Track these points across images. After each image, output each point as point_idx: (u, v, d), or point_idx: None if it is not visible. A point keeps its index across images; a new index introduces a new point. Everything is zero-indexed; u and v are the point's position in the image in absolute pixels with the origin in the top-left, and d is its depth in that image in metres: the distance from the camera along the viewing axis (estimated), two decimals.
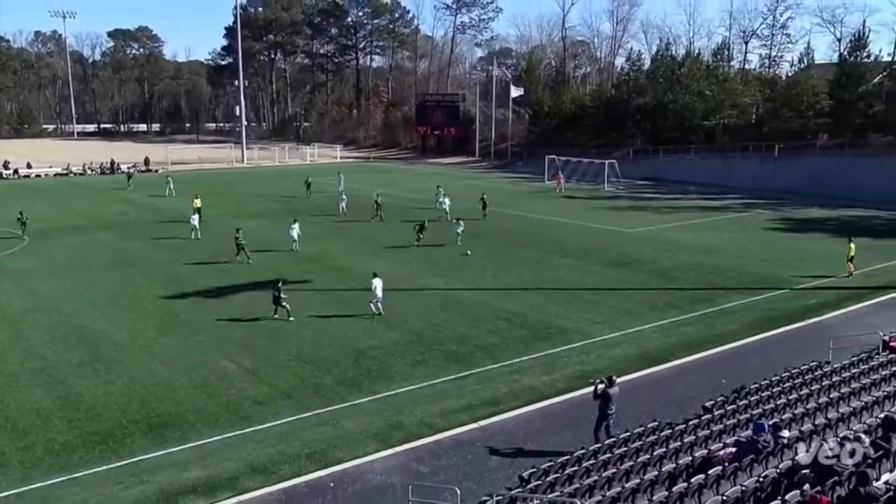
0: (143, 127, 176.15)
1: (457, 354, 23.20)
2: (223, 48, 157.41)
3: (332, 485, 15.43)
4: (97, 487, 15.31)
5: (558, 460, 14.44)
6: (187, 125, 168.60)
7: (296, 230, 38.61)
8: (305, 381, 21.07)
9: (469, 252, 37.22)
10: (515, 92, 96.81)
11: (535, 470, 14.07)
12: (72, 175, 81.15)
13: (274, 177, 79.64)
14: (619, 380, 17.26)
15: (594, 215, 52.22)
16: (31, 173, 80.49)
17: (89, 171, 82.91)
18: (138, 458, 16.54)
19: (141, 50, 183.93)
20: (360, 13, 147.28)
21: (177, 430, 17.97)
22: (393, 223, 46.92)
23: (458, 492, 12.79)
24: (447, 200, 49.86)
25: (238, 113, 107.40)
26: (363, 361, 22.56)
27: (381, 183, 71.30)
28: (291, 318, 26.34)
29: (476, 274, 33.84)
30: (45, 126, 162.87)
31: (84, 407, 19.23)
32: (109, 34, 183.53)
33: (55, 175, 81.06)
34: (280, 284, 26.97)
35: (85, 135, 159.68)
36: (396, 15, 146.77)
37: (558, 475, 13.48)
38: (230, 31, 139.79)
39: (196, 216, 43.14)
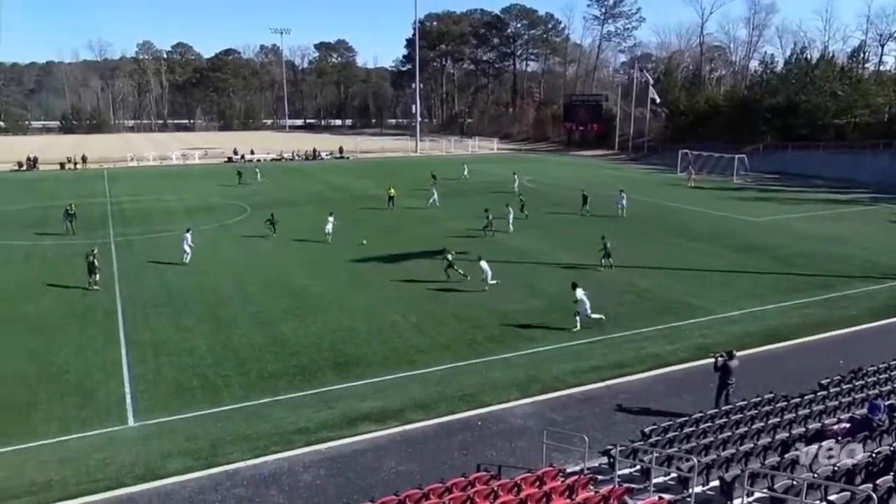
0: (338, 122, 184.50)
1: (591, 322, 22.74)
2: (404, 57, 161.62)
3: (479, 423, 15.69)
4: (295, 409, 16.42)
5: (678, 420, 13.87)
6: (373, 120, 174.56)
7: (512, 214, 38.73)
8: (460, 335, 21.45)
9: (364, 241, 33.86)
10: (654, 93, 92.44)
11: (655, 427, 13.60)
12: (283, 160, 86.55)
13: (439, 164, 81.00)
14: (738, 354, 16.27)
15: (722, 204, 49.14)
16: (254, 158, 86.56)
17: (297, 157, 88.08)
18: (326, 389, 17.55)
19: (339, 59, 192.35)
20: (519, 25, 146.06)
21: (357, 368, 18.89)
22: (539, 206, 46.50)
23: (586, 439, 12.60)
24: (517, 183, 53.31)
25: (414, 111, 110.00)
26: (509, 322, 22.63)
27: (530, 171, 70.80)
28: (467, 276, 27.04)
29: (612, 251, 32.84)
30: (264, 121, 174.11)
31: (287, 345, 20.63)
32: (316, 46, 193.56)
33: (271, 160, 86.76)
34: (448, 255, 27.61)
35: (294, 128, 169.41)
36: (550, 26, 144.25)
37: (677, 433, 12.96)
38: (410, 43, 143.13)
39: (390, 202, 45.10)
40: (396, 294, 25.95)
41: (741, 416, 13.65)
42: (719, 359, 15.76)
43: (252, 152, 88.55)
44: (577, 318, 21.67)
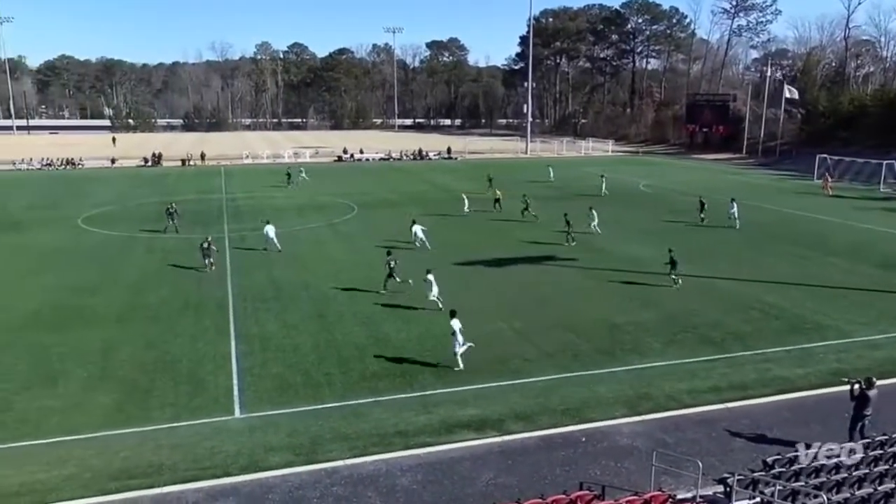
0: (447, 122, 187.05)
1: (709, 338, 21.79)
2: (516, 55, 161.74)
3: (583, 439, 15.40)
4: (395, 410, 16.76)
5: (806, 451, 13.00)
6: (483, 120, 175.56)
7: (595, 219, 38.45)
8: (566, 345, 21.14)
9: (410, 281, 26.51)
10: (789, 92, 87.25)
11: (780, 457, 12.82)
12: (391, 160, 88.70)
13: (546, 166, 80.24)
14: (879, 382, 15.04)
15: (864, 216, 45.64)
16: (363, 157, 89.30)
17: (404, 157, 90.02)
18: (427, 392, 17.80)
19: (450, 57, 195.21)
20: (640, 20, 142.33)
21: (459, 373, 19.02)
22: (657, 210, 45.11)
23: (700, 465, 12.05)
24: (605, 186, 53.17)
25: (525, 110, 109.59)
26: (618, 335, 22.08)
27: (648, 175, 68.83)
28: (410, 282, 25.87)
29: (733, 264, 31.38)
30: (374, 120, 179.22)
31: (390, 346, 21.10)
32: (427, 45, 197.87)
33: (379, 159, 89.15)
34: (391, 262, 26.56)
35: (403, 128, 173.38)
36: (674, 20, 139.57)
37: (804, 465, 12.16)
38: (524, 40, 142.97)
39: (497, 204, 45.24)
40: (501, 299, 25.94)
41: (881, 452, 12.61)
42: (856, 387, 14.64)
43: (361, 151, 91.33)
44: (457, 355, 19.18)
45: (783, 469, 12.13)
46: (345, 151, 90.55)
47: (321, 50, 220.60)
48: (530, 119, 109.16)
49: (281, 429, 15.80)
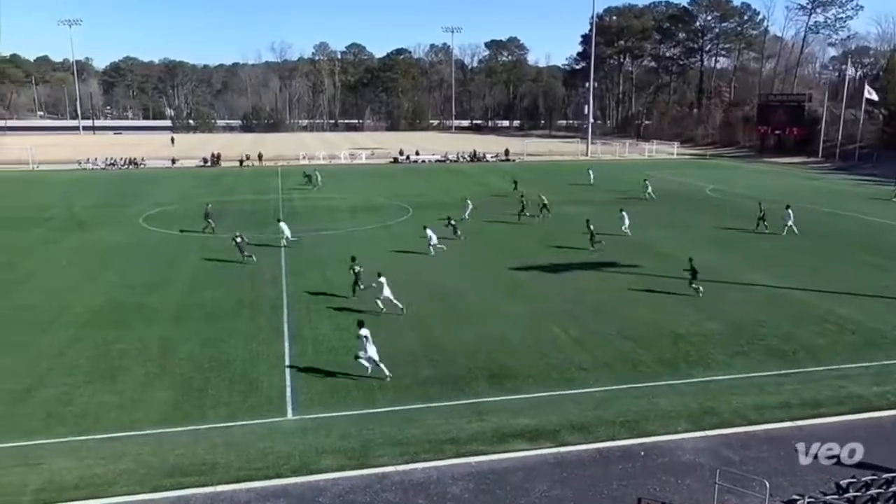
0: (505, 123, 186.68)
1: (779, 351, 21.08)
2: (578, 54, 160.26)
3: (643, 453, 15.10)
4: (446, 417, 16.77)
5: (883, 476, 12.44)
6: (542, 122, 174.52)
7: (626, 221, 38.38)
8: (625, 355, 20.78)
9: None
10: (870, 92, 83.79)
11: (854, 480, 12.30)
12: (447, 161, 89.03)
13: (610, 168, 79.21)
14: None
15: None
16: (419, 159, 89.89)
17: (460, 159, 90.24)
18: (479, 400, 17.74)
19: (509, 57, 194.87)
20: (709, 17, 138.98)
21: (512, 380, 18.93)
22: (724, 216, 43.98)
23: (767, 485, 11.66)
24: (649, 190, 52.94)
25: (586, 111, 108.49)
26: (681, 345, 21.58)
27: (715, 179, 67.21)
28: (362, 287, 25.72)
29: (804, 273, 30.31)
30: (431, 121, 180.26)
31: (442, 351, 21.14)
32: (486, 44, 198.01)
33: (435, 161, 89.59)
34: (355, 267, 26.37)
35: (460, 129, 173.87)
36: (745, 17, 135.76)
37: (881, 490, 11.63)
38: (586, 39, 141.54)
39: (544, 209, 44.49)
40: (557, 305, 25.69)
41: None
42: None
43: (416, 153, 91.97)
44: (379, 365, 18.79)
45: (858, 493, 11.64)
46: (401, 153, 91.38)
47: (379, 50, 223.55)
48: (591, 120, 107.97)
49: (332, 432, 16.01)
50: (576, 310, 25.17)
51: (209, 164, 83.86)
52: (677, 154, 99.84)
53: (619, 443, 15.52)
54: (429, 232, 33.93)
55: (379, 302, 24.22)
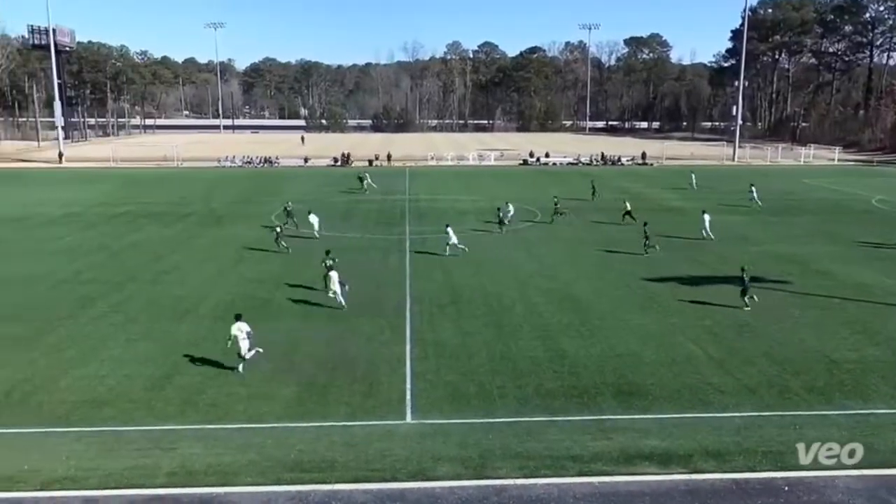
0: (643, 124, 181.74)
1: None
2: (727, 50, 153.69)
3: (786, 488, 14.16)
4: (570, 433, 16.48)
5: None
6: (684, 123, 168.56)
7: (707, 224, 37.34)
8: (771, 380, 19.57)
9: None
10: None
11: None
12: (580, 164, 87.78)
13: (760, 175, 75.07)
14: None
15: None
16: (549, 161, 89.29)
17: (594, 162, 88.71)
18: (605, 417, 17.32)
19: (650, 55, 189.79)
20: (882, 7, 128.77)
21: (642, 399, 18.34)
22: (891, 232, 40.55)
23: None
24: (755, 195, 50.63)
25: (734, 112, 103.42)
26: (836, 372, 20.05)
27: (883, 188, 62.18)
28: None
29: None
30: (564, 122, 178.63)
31: (567, 362, 20.84)
32: (625, 41, 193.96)
33: (567, 163, 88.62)
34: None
35: (594, 130, 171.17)
36: None
37: None
38: (736, 34, 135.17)
39: (626, 216, 42.94)
40: (695, 321, 24.64)
41: None
42: None
43: (546, 155, 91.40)
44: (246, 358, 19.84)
45: None
46: (531, 155, 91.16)
47: (512, 49, 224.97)
48: (739, 122, 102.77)
49: (451, 439, 16.18)
50: (716, 327, 24.04)
51: (339, 163, 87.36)
52: (838, 160, 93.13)
53: (759, 475, 14.64)
54: (449, 231, 34.63)
55: (331, 293, 25.59)
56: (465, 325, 24.19)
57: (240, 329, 20.00)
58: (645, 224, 35.88)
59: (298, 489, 14.08)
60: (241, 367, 19.90)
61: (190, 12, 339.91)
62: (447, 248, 34.56)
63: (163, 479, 14.40)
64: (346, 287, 26.46)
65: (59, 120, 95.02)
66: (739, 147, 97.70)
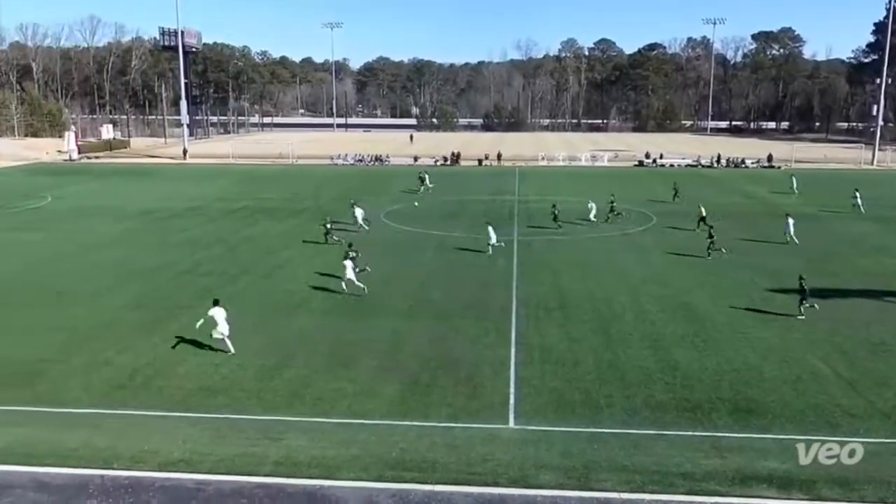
0: (771, 125, 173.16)
1: None
2: (868, 45, 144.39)
3: None
4: (680, 449, 15.96)
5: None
6: (816, 124, 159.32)
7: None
8: None
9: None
10: None
11: None
12: (699, 166, 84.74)
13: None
14: None
15: None
16: (665, 162, 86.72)
17: (715, 164, 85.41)
18: (720, 434, 16.65)
19: (780, 50, 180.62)
20: None
21: (761, 417, 17.51)
22: None
23: None
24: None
25: (875, 112, 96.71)
26: None
27: None
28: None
29: None
30: (683, 122, 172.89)
31: (680, 374, 20.20)
32: (753, 37, 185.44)
33: (685, 165, 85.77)
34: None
35: (716, 131, 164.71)
36: None
37: None
38: (879, 27, 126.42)
39: (701, 222, 40.40)
40: (823, 337, 23.28)
41: None
42: None
43: (661, 156, 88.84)
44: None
45: None
46: (647, 156, 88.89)
47: (629, 45, 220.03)
48: (881, 122, 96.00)
49: (554, 447, 16.03)
50: (847, 344, 22.63)
51: (448, 162, 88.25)
52: None
53: None
54: (489, 230, 35.43)
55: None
56: (571, 330, 23.91)
57: (217, 315, 21.37)
58: (711, 227, 35.92)
59: (400, 487, 14.34)
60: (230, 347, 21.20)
61: (309, 13, 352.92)
62: (489, 247, 35.08)
63: (270, 467, 15.04)
64: (368, 269, 28.76)
65: (184, 118, 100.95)
66: (880, 150, 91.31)
